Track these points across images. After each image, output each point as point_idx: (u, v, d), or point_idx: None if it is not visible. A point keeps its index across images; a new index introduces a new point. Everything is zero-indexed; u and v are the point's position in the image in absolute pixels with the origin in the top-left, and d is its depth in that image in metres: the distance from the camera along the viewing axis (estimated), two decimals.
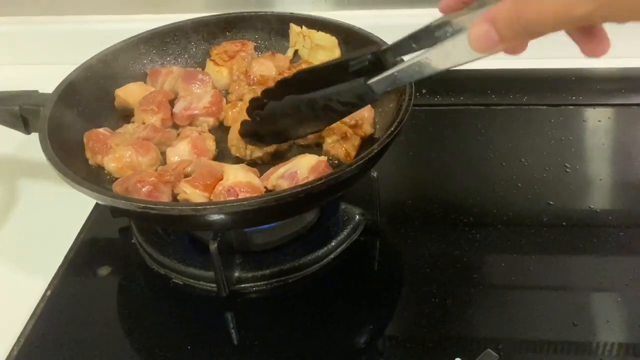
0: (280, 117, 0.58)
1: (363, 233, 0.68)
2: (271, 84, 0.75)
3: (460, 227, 0.69)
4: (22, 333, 0.60)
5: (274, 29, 0.83)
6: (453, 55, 0.45)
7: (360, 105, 0.56)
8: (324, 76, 0.56)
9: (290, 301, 0.63)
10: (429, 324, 0.59)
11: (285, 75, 0.69)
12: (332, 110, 0.55)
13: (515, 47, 0.44)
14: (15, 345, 0.59)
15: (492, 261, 0.66)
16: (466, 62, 0.44)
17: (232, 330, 0.61)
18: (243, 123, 0.62)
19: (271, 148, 0.66)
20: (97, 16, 1.02)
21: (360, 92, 0.52)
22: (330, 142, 0.65)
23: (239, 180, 0.59)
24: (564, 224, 0.69)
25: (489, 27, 0.40)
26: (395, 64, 0.53)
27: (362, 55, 0.55)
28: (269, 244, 0.65)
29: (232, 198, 0.57)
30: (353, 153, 0.64)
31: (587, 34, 0.42)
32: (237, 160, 0.66)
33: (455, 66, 0.46)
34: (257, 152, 0.65)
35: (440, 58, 0.46)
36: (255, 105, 0.61)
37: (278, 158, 0.66)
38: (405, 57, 0.52)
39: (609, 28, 1.04)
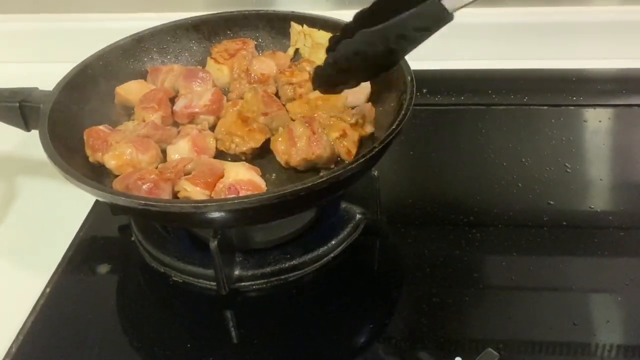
0: (353, 55, 0.55)
1: (363, 232, 0.68)
2: (271, 82, 0.75)
3: (460, 227, 0.69)
4: (20, 330, 0.60)
5: (274, 27, 0.82)
6: None
7: (434, 29, 0.53)
8: (388, 8, 0.53)
9: (290, 300, 0.63)
10: (430, 323, 0.59)
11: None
12: (405, 39, 0.53)
13: None
14: (14, 342, 0.59)
15: (492, 261, 0.66)
16: None
17: (232, 329, 0.61)
18: (316, 69, 0.60)
19: (256, 144, 0.65)
20: (98, 14, 1.02)
21: (434, 12, 0.50)
22: (331, 139, 0.64)
23: (240, 178, 0.59)
24: (565, 224, 0.69)
25: None
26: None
27: None
28: (269, 242, 0.65)
29: (233, 195, 0.57)
30: (354, 150, 0.64)
31: None
32: (235, 158, 0.66)
33: None
34: (242, 147, 0.65)
35: None
36: (330, 46, 0.58)
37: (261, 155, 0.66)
38: None
39: (610, 30, 1.04)
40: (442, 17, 0.51)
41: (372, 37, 0.54)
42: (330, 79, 0.59)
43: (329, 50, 0.58)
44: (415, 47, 0.56)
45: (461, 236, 0.68)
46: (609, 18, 0.95)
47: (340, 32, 0.58)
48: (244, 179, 0.59)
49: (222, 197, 0.58)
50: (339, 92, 0.65)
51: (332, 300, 0.63)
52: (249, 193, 0.58)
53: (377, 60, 0.57)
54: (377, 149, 0.57)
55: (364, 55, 0.56)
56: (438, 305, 0.61)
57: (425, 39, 0.54)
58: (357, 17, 0.57)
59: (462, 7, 0.50)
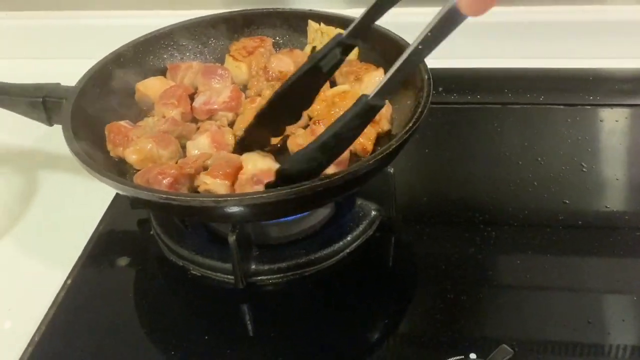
0: (297, 176, 0.54)
1: (378, 229, 0.69)
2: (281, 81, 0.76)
3: (475, 225, 0.69)
4: (43, 320, 0.62)
5: (292, 25, 0.83)
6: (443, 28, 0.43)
7: (369, 121, 0.54)
8: (300, 88, 0.55)
9: (305, 294, 0.64)
10: (444, 320, 0.59)
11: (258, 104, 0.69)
12: (345, 140, 0.54)
13: None
14: (36, 332, 0.61)
15: (507, 259, 0.66)
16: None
17: (248, 322, 0.62)
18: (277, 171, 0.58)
19: (272, 141, 0.67)
20: (119, 11, 1.03)
21: (366, 110, 0.51)
22: None
23: (260, 168, 0.60)
24: (580, 223, 0.69)
25: None
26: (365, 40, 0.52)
27: (330, 51, 0.53)
28: (286, 237, 0.66)
29: (259, 187, 0.58)
30: (370, 147, 0.64)
31: None
32: None
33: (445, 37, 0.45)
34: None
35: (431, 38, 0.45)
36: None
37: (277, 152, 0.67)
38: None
39: (627, 29, 1.04)
40: (376, 109, 0.51)
41: (312, 154, 0.53)
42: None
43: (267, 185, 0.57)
44: (350, 144, 0.56)
45: (476, 234, 0.68)
46: (626, 17, 0.95)
47: (245, 132, 0.62)
48: (264, 168, 0.60)
49: (248, 188, 0.58)
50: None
51: (347, 295, 0.63)
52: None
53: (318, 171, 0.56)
54: (394, 146, 0.57)
55: (310, 168, 0.55)
56: (452, 302, 0.61)
57: (360, 134, 0.55)
58: (260, 115, 0.59)
59: (391, 93, 0.52)
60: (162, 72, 0.78)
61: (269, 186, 0.56)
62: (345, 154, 0.63)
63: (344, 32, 0.57)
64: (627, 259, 0.65)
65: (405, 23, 0.74)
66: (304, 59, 0.79)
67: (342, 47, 0.53)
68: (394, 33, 0.74)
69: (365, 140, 0.64)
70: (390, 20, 0.77)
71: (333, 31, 0.79)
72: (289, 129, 0.68)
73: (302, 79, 0.57)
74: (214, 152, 0.65)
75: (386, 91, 0.50)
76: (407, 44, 0.69)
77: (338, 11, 0.81)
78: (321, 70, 0.54)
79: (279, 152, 0.67)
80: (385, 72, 0.72)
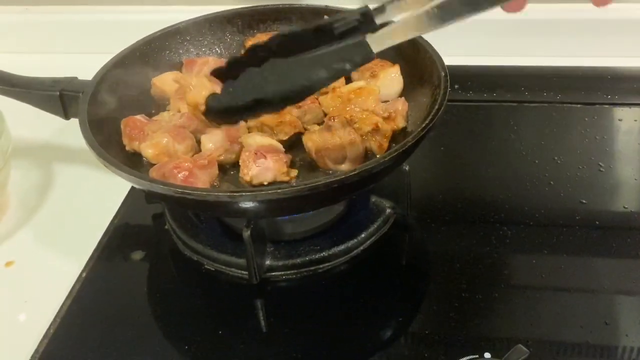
0: (260, 85, 0.50)
1: (393, 226, 0.69)
2: None
3: (491, 224, 0.69)
4: (58, 312, 0.62)
5: (307, 21, 0.82)
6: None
7: (354, 67, 0.50)
8: (305, 40, 0.49)
9: (319, 291, 0.64)
10: (459, 318, 0.59)
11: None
12: (322, 73, 0.49)
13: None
14: (52, 324, 0.61)
15: (523, 259, 0.66)
16: (466, 15, 0.42)
17: (262, 318, 0.62)
18: (209, 98, 0.54)
19: (284, 136, 0.66)
20: (135, 7, 1.03)
21: (360, 50, 0.48)
22: (362, 134, 0.65)
23: (260, 144, 0.60)
24: (597, 223, 0.69)
25: None
26: (387, 24, 0.49)
27: (350, 16, 0.50)
28: (300, 234, 0.66)
29: (262, 160, 0.59)
30: (386, 145, 0.64)
31: None
32: None
33: (456, 20, 0.43)
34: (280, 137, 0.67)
35: (441, 9, 0.42)
36: (219, 74, 0.54)
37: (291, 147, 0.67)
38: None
39: None
40: (367, 56, 0.49)
41: (286, 69, 0.49)
42: (226, 113, 0.53)
43: (223, 72, 0.53)
44: (329, 83, 0.52)
45: (491, 233, 0.68)
46: None
47: (226, 64, 0.52)
48: (264, 144, 0.60)
49: (252, 162, 0.59)
50: (234, 123, 0.60)
51: (361, 292, 0.63)
52: (274, 156, 0.59)
53: (289, 94, 0.51)
54: (410, 143, 0.57)
55: (275, 89, 0.50)
56: (467, 301, 0.61)
57: (341, 77, 0.52)
58: (253, 48, 0.53)
59: (385, 47, 0.48)
60: (178, 67, 0.78)
61: (214, 71, 0.54)
62: (360, 150, 0.63)
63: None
64: None
65: None
66: None
67: (363, 17, 0.50)
68: None
69: (381, 138, 0.64)
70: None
71: None
72: (304, 121, 0.67)
73: (308, 31, 0.52)
74: (229, 146, 0.65)
75: (385, 40, 0.48)
76: (425, 41, 0.69)
77: (354, 7, 0.80)
78: (333, 31, 0.50)
79: (292, 147, 0.67)
80: (401, 69, 0.72)
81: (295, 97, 0.52)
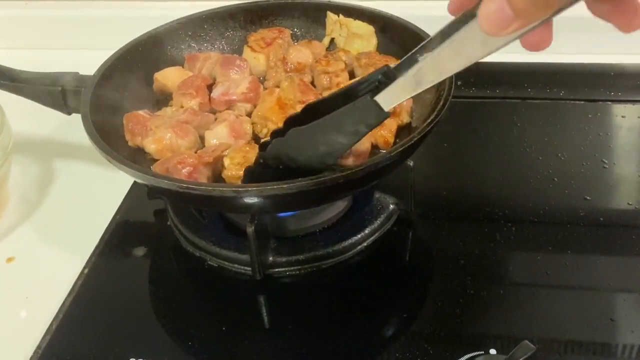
0: (285, 152, 0.52)
1: (396, 223, 0.68)
2: (307, 71, 0.75)
3: (495, 221, 0.69)
4: (60, 308, 0.62)
5: (310, 16, 0.82)
6: (464, 49, 0.39)
7: (367, 128, 0.50)
8: (335, 105, 0.50)
9: (322, 287, 0.63)
10: (464, 315, 0.59)
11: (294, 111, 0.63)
12: (337, 137, 0.50)
13: (537, 38, 0.38)
14: (54, 320, 0.61)
15: (527, 255, 0.65)
16: (478, 57, 0.39)
17: (265, 314, 0.62)
18: (246, 170, 0.57)
19: None
20: (137, 2, 1.03)
21: (367, 109, 0.47)
22: None
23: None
24: (602, 220, 0.68)
25: (502, 2, 0.34)
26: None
27: (372, 76, 0.49)
28: (303, 229, 0.66)
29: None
30: (391, 140, 0.64)
31: (617, 4, 0.37)
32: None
33: (467, 64, 0.41)
34: None
35: (449, 55, 0.40)
36: (262, 147, 0.56)
37: None
38: None
39: None
40: (377, 115, 0.47)
41: (305, 135, 0.51)
42: (261, 177, 0.54)
43: (260, 149, 0.55)
44: (349, 147, 0.52)
45: (496, 230, 0.67)
46: None
47: (270, 135, 0.55)
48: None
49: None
50: None
51: (365, 288, 0.63)
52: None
53: (313, 162, 0.53)
54: (415, 139, 0.56)
55: (299, 156, 0.52)
56: (472, 298, 0.60)
57: (359, 139, 0.51)
58: (289, 120, 0.54)
59: (396, 104, 0.47)
60: (180, 63, 0.78)
61: (248, 171, 0.55)
62: (367, 146, 0.62)
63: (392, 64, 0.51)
64: None
65: (425, 16, 0.73)
66: (323, 50, 0.79)
67: (385, 75, 0.49)
68: (413, 25, 0.74)
69: (387, 133, 0.64)
70: (410, 13, 0.77)
71: (352, 23, 0.79)
72: None
73: (336, 97, 0.53)
74: (233, 142, 0.64)
75: (393, 98, 0.47)
76: (427, 35, 0.69)
77: (357, 3, 0.80)
78: (357, 93, 0.50)
79: None
80: None
81: (320, 163, 0.53)
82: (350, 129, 0.50)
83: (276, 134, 0.55)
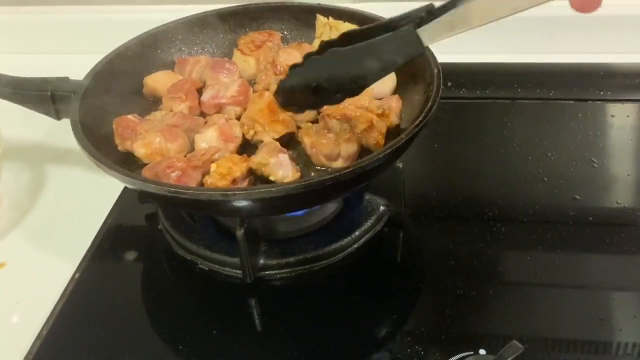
0: (321, 70, 0.54)
1: (387, 224, 0.69)
2: None
3: (485, 221, 0.69)
4: (51, 314, 0.62)
5: (300, 19, 0.83)
6: None
7: (405, 58, 0.51)
8: (372, 36, 0.51)
9: (313, 289, 0.64)
10: (454, 315, 0.59)
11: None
12: (375, 63, 0.52)
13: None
14: (44, 325, 0.61)
15: (517, 255, 0.66)
16: (525, 7, 0.42)
17: (256, 317, 0.62)
18: (281, 83, 0.58)
19: (276, 134, 0.66)
20: (126, 6, 1.03)
21: (408, 40, 0.49)
22: (359, 132, 0.64)
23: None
24: (591, 219, 0.69)
25: None
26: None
27: (415, 12, 0.50)
28: (294, 232, 0.66)
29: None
30: (382, 141, 0.64)
31: None
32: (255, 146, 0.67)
33: (512, 12, 0.43)
34: (260, 136, 0.66)
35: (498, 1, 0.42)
36: (299, 63, 0.57)
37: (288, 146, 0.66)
38: None
39: (638, 24, 1.02)
40: (415, 47, 0.49)
41: (343, 56, 0.53)
42: (297, 98, 0.57)
43: (295, 66, 0.56)
44: (383, 75, 0.54)
45: (486, 230, 0.68)
46: (638, 11, 0.94)
47: (303, 58, 0.56)
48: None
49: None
50: (302, 112, 0.64)
51: (356, 290, 0.63)
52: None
53: (345, 83, 0.55)
54: (404, 140, 0.57)
55: (332, 76, 0.54)
56: (462, 298, 0.61)
57: (394, 69, 0.53)
58: (325, 45, 0.55)
59: (438, 40, 0.49)
60: (170, 66, 0.78)
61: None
62: (355, 149, 0.63)
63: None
64: (638, 255, 0.64)
65: None
66: None
67: (428, 13, 0.50)
68: None
69: (377, 135, 0.64)
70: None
71: (342, 25, 0.79)
72: (299, 120, 0.68)
73: (375, 28, 0.53)
74: (223, 146, 0.65)
75: (435, 33, 0.48)
76: None
77: (347, 5, 0.80)
78: (398, 27, 0.51)
79: (288, 145, 0.67)
80: None
81: (348, 86, 0.55)
82: (387, 57, 0.52)
83: (295, 66, 0.56)
